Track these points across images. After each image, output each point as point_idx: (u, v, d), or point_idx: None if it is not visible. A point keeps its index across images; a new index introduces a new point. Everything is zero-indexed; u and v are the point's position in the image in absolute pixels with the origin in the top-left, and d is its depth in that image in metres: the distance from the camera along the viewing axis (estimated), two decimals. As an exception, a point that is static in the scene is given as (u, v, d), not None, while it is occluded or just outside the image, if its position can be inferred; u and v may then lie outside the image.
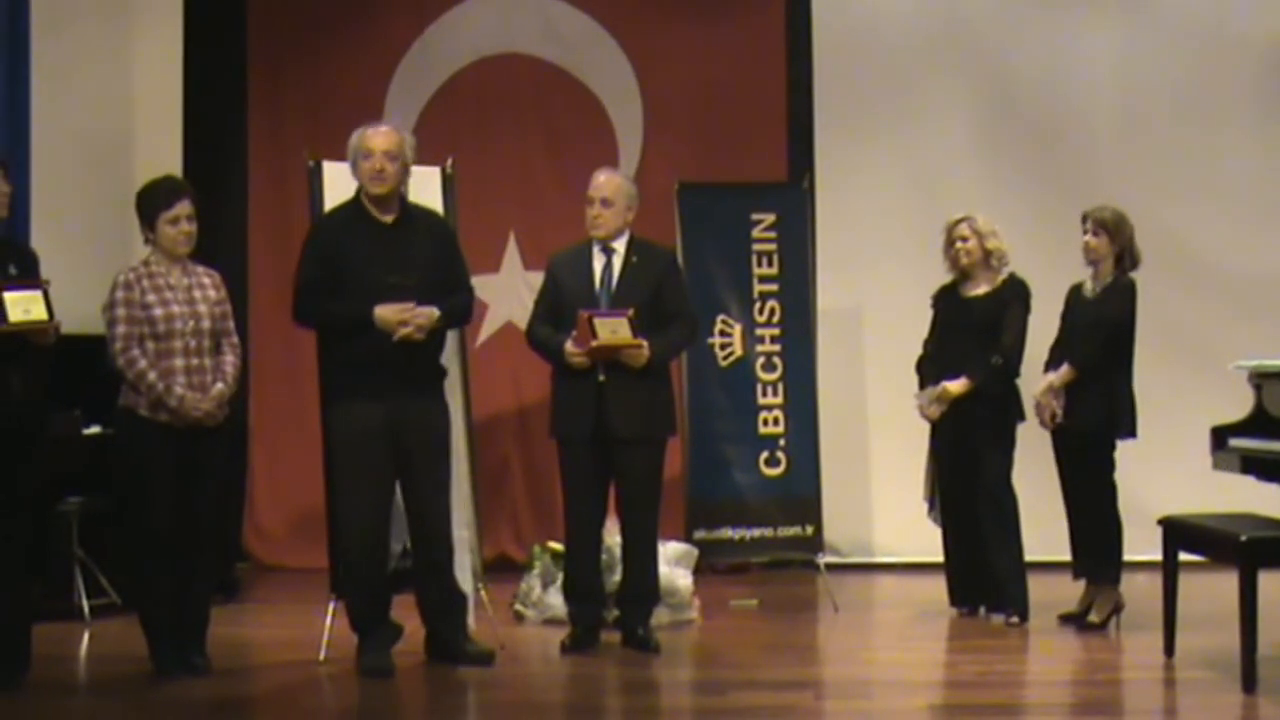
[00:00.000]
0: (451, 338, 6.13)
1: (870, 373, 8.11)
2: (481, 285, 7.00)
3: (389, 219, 5.67)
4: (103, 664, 6.09)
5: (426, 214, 5.89)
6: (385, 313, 5.50)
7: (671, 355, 6.17)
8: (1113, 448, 6.29)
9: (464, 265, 5.92)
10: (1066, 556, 6.50)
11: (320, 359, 5.84)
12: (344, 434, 5.61)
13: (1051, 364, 6.40)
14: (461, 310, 5.83)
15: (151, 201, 5.53)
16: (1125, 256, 6.34)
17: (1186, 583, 5.70)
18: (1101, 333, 6.25)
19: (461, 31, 8.45)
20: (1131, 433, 6.27)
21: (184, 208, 5.52)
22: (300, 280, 5.68)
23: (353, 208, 5.71)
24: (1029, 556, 6.53)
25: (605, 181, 6.09)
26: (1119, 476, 6.33)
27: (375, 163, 5.59)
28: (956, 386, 6.46)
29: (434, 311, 5.57)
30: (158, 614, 5.52)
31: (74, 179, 7.43)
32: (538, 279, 6.37)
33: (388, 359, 5.52)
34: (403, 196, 5.75)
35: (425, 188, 6.23)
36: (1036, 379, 6.44)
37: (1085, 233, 6.36)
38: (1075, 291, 6.50)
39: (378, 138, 5.63)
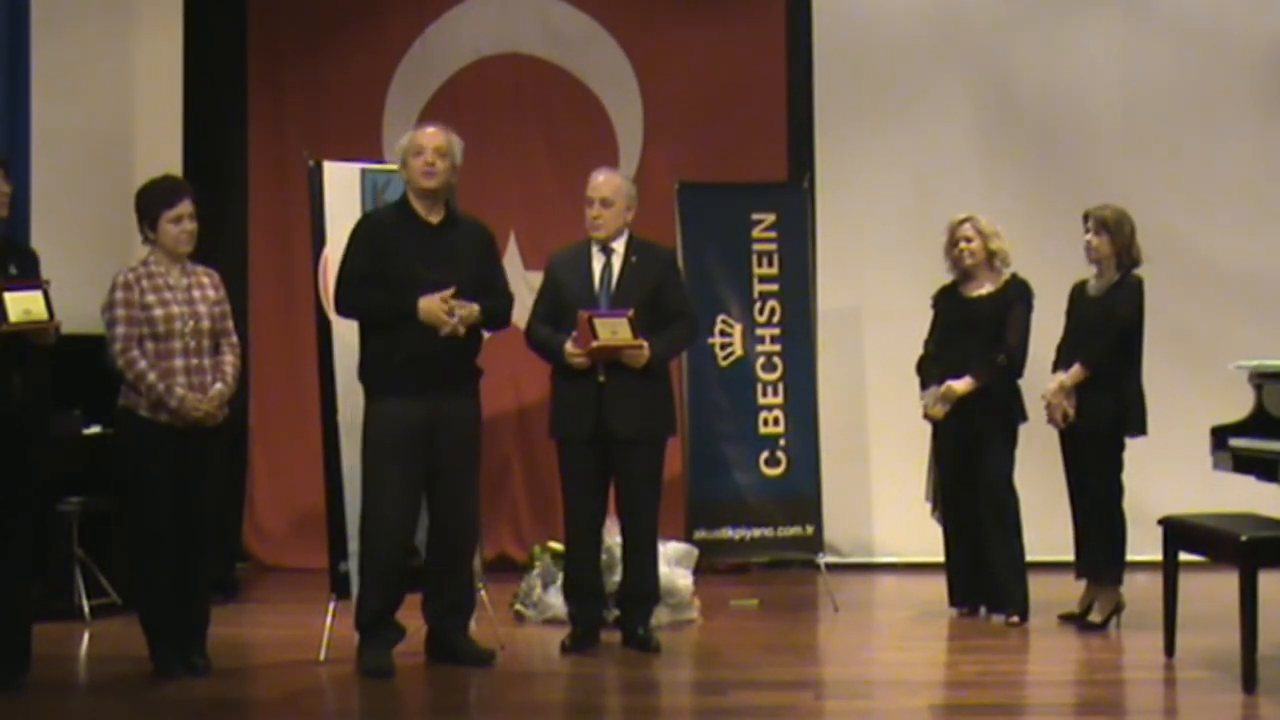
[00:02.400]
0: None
1: (870, 373, 8.11)
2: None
3: (435, 220, 5.72)
4: (103, 664, 6.09)
5: (470, 219, 5.95)
6: (429, 303, 5.53)
7: (672, 355, 6.18)
8: (1122, 447, 6.29)
9: (503, 272, 5.99)
10: (1067, 556, 6.50)
11: (361, 353, 5.81)
12: (381, 429, 5.62)
13: (1061, 364, 6.39)
14: (502, 313, 5.87)
15: (154, 200, 5.54)
16: (1124, 255, 6.33)
17: (1186, 583, 5.70)
18: (1111, 332, 6.25)
19: (461, 31, 8.44)
20: (1142, 430, 6.27)
21: (186, 206, 5.53)
22: (345, 272, 5.72)
23: (400, 207, 5.77)
24: (1030, 556, 6.54)
25: (604, 182, 6.09)
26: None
27: (427, 157, 5.67)
28: (962, 385, 6.46)
29: (474, 307, 5.62)
30: (158, 614, 5.52)
31: (74, 179, 7.42)
32: (538, 279, 6.37)
33: (427, 355, 5.56)
34: (449, 200, 5.82)
35: (425, 187, 6.23)
36: (1040, 379, 6.44)
37: (1086, 232, 6.37)
38: (1079, 289, 6.50)
39: (427, 136, 5.73)
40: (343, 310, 5.78)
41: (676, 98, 8.31)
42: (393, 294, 5.58)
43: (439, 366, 5.60)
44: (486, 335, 5.94)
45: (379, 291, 5.61)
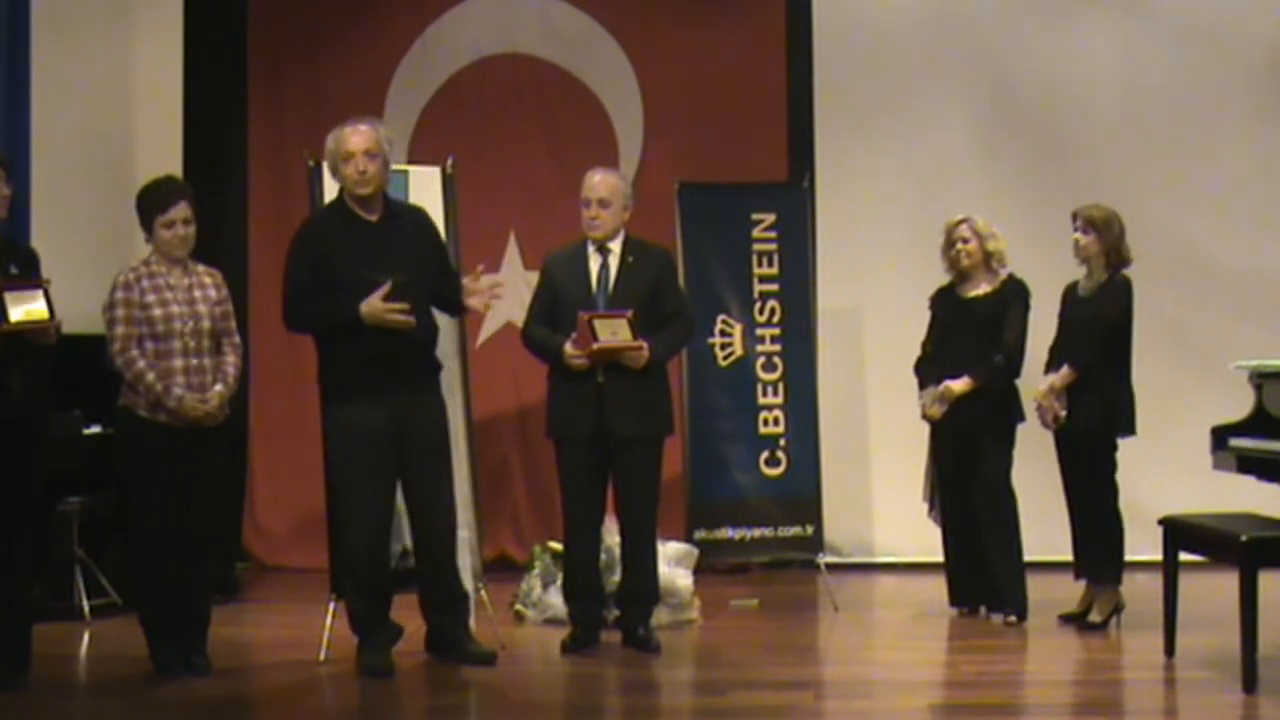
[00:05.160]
0: (452, 337, 6.14)
1: (870, 373, 8.10)
2: (481, 285, 7.01)
3: (374, 217, 5.64)
4: (103, 664, 6.09)
5: (410, 209, 5.86)
6: (371, 308, 5.46)
7: (670, 355, 6.18)
8: (1114, 447, 6.29)
9: (449, 255, 5.91)
10: (1067, 556, 6.50)
11: (319, 359, 5.83)
12: (345, 435, 5.59)
13: (1051, 365, 6.39)
14: (453, 298, 5.75)
15: (149, 204, 5.53)
16: (1112, 254, 6.32)
17: (1186, 583, 5.69)
18: (1098, 332, 6.25)
19: (461, 31, 8.44)
20: (1130, 430, 6.27)
21: (180, 211, 5.50)
22: (288, 285, 5.63)
23: (337, 209, 5.69)
24: (1029, 556, 6.54)
25: (600, 181, 6.05)
26: (1119, 476, 6.33)
27: (358, 164, 5.54)
28: (960, 385, 6.46)
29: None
30: (158, 614, 5.52)
31: (74, 179, 7.43)
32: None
33: (384, 357, 5.50)
34: (385, 194, 5.70)
35: (425, 188, 6.23)
36: (1037, 380, 6.44)
37: (1075, 230, 6.38)
38: (1070, 290, 6.50)
39: (355, 138, 5.57)
40: (291, 325, 5.68)
41: (676, 98, 8.30)
42: (336, 303, 5.47)
43: (397, 367, 5.52)
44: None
45: (324, 302, 5.51)
